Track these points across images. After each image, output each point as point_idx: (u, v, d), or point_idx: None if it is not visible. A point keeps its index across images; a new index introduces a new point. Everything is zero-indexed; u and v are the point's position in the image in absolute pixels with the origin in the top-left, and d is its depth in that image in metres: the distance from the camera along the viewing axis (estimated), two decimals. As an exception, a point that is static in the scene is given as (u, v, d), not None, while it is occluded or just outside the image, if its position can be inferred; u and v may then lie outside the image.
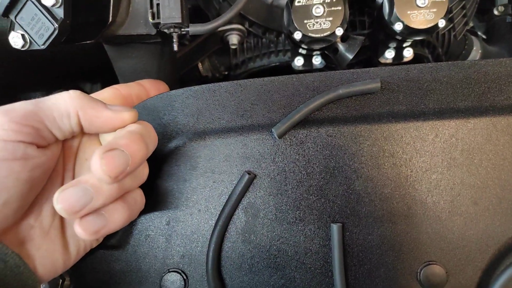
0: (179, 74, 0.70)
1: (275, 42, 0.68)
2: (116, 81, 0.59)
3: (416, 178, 0.37)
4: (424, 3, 0.51)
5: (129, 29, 0.47)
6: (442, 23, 0.51)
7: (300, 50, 0.59)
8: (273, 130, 0.37)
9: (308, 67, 0.62)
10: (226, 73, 0.76)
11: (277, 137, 0.38)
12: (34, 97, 0.73)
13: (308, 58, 0.62)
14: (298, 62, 0.62)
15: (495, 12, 0.77)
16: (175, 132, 0.39)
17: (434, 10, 0.51)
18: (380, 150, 0.37)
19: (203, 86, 0.40)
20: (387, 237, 0.37)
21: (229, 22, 0.67)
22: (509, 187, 0.36)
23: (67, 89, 0.37)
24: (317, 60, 0.62)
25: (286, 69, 0.68)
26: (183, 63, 0.69)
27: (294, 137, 0.38)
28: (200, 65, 0.73)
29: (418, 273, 0.36)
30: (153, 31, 0.47)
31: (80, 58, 0.64)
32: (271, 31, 0.67)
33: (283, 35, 0.67)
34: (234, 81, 0.39)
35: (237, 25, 0.65)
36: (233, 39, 0.66)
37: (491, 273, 0.36)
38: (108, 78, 0.83)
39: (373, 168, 0.37)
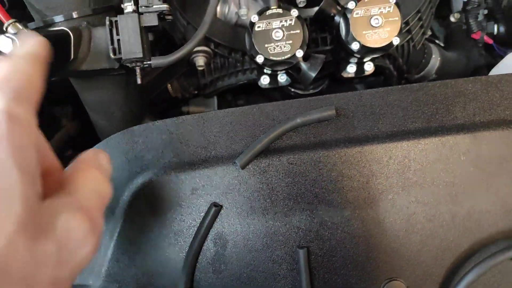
0: (148, 99, 0.70)
1: (241, 61, 0.70)
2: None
3: (373, 200, 0.39)
4: (378, 23, 0.53)
5: (91, 64, 0.48)
6: (396, 41, 0.53)
7: (265, 70, 0.61)
8: (236, 161, 0.39)
9: (274, 85, 0.64)
10: (196, 92, 0.77)
11: (240, 168, 0.39)
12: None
13: (273, 76, 0.64)
14: (264, 80, 0.64)
15: (452, 19, 0.80)
16: (140, 168, 0.40)
17: (388, 29, 0.53)
18: (339, 175, 0.39)
19: (166, 120, 0.41)
20: (350, 257, 0.38)
21: (161, 18, 0.68)
22: (460, 202, 0.38)
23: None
24: (282, 78, 0.64)
25: (254, 85, 0.69)
26: (151, 88, 0.69)
27: (257, 166, 0.39)
28: (169, 86, 0.74)
29: (381, 290, 0.38)
30: (116, 65, 0.48)
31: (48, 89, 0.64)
32: (237, 51, 0.68)
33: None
34: (196, 114, 0.40)
35: (202, 47, 0.66)
36: (200, 61, 0.67)
37: (448, 285, 0.38)
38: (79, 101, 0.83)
39: (333, 192, 0.39)
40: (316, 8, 0.67)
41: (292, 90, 0.72)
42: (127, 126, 0.61)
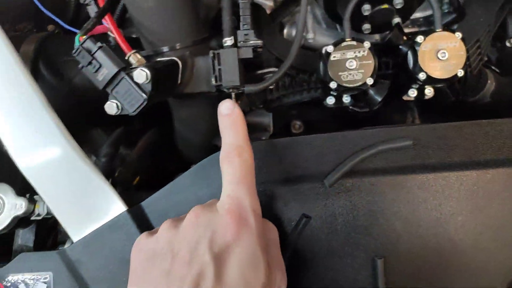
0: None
1: (307, 81, 0.76)
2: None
3: (445, 220, 0.45)
4: (445, 57, 0.58)
5: (193, 88, 0.56)
6: (461, 73, 0.59)
7: (332, 92, 0.67)
8: (325, 181, 0.46)
9: (339, 105, 0.70)
10: (261, 106, 0.84)
11: (328, 186, 0.46)
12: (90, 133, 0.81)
13: (339, 97, 0.70)
14: (330, 101, 0.70)
15: (508, 44, 0.83)
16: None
17: (454, 62, 0.58)
18: (415, 197, 0.45)
19: (261, 142, 0.48)
20: (422, 269, 0.44)
21: (267, 65, 0.76)
22: (523, 227, 0.44)
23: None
24: (346, 99, 0.70)
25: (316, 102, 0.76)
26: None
27: (342, 185, 0.46)
28: (238, 102, 0.81)
29: (449, 300, 0.44)
30: (214, 89, 0.55)
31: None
32: (304, 72, 0.75)
33: (314, 75, 0.75)
34: (290, 137, 0.47)
35: (274, 68, 0.73)
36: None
37: (509, 299, 0.43)
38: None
39: (409, 211, 0.45)
40: (377, 35, 0.74)
41: (351, 107, 0.78)
42: (210, 139, 0.69)
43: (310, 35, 0.77)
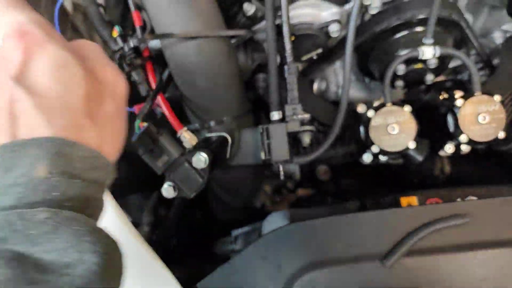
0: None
1: (342, 137, 0.77)
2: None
3: (507, 299, 0.45)
4: (485, 120, 0.59)
5: (240, 161, 0.57)
6: (502, 135, 0.59)
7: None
8: (384, 261, 0.46)
9: (375, 163, 0.71)
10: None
11: (388, 267, 0.46)
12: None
13: (376, 156, 0.71)
14: (367, 158, 0.71)
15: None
16: (294, 262, 0.48)
17: (494, 125, 0.59)
18: (475, 275, 0.45)
19: (315, 221, 0.49)
20: None
21: (302, 124, 0.77)
22: None
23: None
24: (383, 158, 0.71)
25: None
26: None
27: (401, 265, 0.46)
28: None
29: None
30: (260, 161, 0.56)
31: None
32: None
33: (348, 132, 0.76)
34: (347, 215, 0.48)
35: (309, 126, 0.74)
36: (306, 138, 0.75)
37: None
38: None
39: (470, 289, 0.45)
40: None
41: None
42: (249, 201, 0.70)
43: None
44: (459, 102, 0.60)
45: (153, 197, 0.74)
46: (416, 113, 0.62)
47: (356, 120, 0.65)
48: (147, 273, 0.49)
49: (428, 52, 0.59)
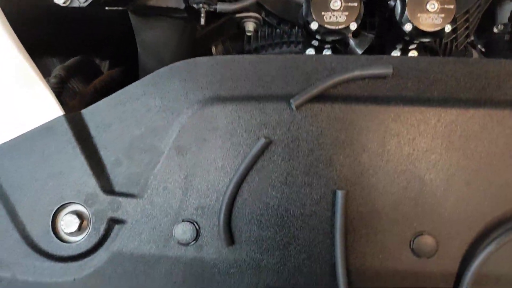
0: (194, 56, 0.73)
1: (288, 33, 0.71)
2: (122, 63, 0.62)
3: (416, 157, 0.40)
4: (434, 8, 0.55)
5: (159, 1, 0.50)
6: (448, 28, 0.55)
7: (313, 42, 0.63)
8: (291, 101, 0.41)
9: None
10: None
11: (294, 108, 0.41)
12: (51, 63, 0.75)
13: (319, 50, 0.66)
14: (310, 53, 0.66)
15: (495, 30, 0.82)
16: (198, 96, 0.42)
17: (442, 15, 0.55)
18: (387, 129, 0.41)
19: (228, 56, 0.43)
20: (386, 207, 0.40)
21: (247, 9, 0.70)
22: (499, 172, 0.40)
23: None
24: (327, 53, 0.66)
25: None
26: (199, 44, 0.71)
27: (310, 109, 0.41)
28: (213, 49, 0.76)
29: (411, 242, 0.40)
30: (182, 6, 0.50)
31: (103, 26, 0.67)
32: (286, 22, 0.70)
33: (296, 27, 0.70)
34: (258, 54, 0.42)
35: (254, 13, 0.68)
36: (250, 26, 0.69)
37: (476, 246, 0.39)
38: (118, 58, 0.85)
39: (379, 144, 0.41)
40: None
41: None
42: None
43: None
44: (409, -14, 0.55)
45: (73, 58, 0.67)
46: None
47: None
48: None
49: None
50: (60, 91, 0.61)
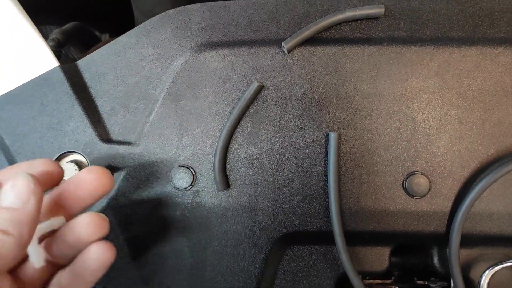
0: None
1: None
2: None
3: (409, 97, 0.40)
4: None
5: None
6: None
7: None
8: (283, 44, 0.41)
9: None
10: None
11: (286, 52, 0.41)
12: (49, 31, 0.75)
13: None
14: None
15: None
16: (191, 43, 0.43)
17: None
18: (380, 70, 0.41)
19: (219, 2, 0.43)
20: (378, 147, 0.40)
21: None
22: (492, 110, 0.40)
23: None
24: None
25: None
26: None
27: (302, 53, 0.41)
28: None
29: (404, 181, 0.40)
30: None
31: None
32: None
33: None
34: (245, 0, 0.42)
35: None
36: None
37: (469, 185, 0.40)
38: (118, 31, 0.85)
39: (371, 86, 0.41)
40: None
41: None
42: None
43: None
44: None
45: (70, 23, 0.67)
46: None
47: None
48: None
49: None
50: (58, 55, 0.62)
